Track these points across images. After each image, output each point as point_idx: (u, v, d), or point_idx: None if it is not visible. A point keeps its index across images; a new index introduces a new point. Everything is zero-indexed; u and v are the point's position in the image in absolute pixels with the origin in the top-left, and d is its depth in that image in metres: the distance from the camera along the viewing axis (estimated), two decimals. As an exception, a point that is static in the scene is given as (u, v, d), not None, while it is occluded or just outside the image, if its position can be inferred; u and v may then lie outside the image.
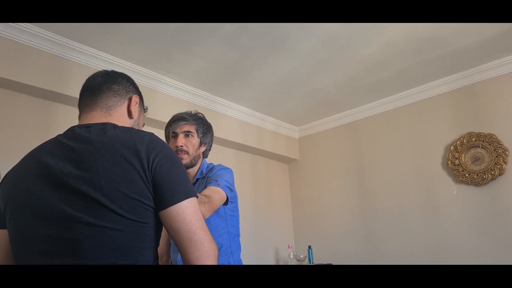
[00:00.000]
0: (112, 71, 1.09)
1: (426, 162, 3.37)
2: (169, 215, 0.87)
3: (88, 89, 1.03)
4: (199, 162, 1.72)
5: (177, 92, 3.11)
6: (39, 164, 0.91)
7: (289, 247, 3.74)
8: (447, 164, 3.22)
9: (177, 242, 0.88)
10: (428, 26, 2.54)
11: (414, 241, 3.30)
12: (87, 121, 0.98)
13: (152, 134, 0.95)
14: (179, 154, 1.62)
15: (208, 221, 1.55)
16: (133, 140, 0.89)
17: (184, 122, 1.66)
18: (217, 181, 1.54)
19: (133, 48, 2.61)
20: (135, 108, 1.05)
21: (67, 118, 2.55)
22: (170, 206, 0.87)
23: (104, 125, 0.95)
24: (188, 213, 0.88)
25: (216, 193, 1.47)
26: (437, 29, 2.58)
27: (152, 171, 0.86)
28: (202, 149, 1.72)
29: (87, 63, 2.60)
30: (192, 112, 1.73)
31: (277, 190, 4.20)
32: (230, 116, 3.60)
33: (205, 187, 1.54)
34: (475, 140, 3.10)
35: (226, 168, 1.68)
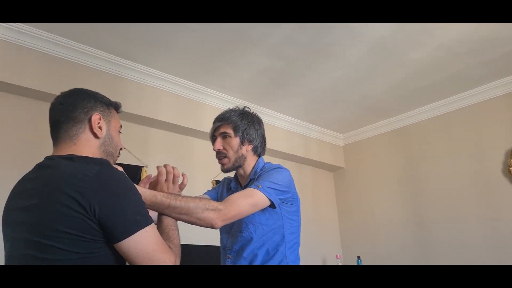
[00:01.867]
0: (65, 95, 1.07)
1: (485, 169, 3.16)
2: (122, 249, 0.88)
3: (51, 124, 1.05)
4: (252, 161, 1.53)
5: (223, 104, 3.18)
6: (11, 198, 0.99)
7: (337, 257, 3.65)
8: (509, 171, 3.00)
9: None
10: (484, 27, 2.42)
11: (473, 254, 3.09)
12: (56, 154, 1.01)
13: (102, 166, 0.92)
14: (218, 158, 1.51)
15: (259, 222, 1.41)
16: (77, 176, 0.89)
17: (220, 123, 1.51)
18: (260, 182, 1.36)
19: (181, 63, 2.72)
20: (98, 127, 1.04)
21: (127, 135, 2.69)
22: (119, 241, 0.87)
23: (63, 157, 0.97)
24: (140, 247, 0.88)
25: (245, 198, 1.28)
26: (494, 29, 2.45)
27: (94, 209, 0.85)
28: (249, 147, 1.51)
29: (139, 80, 2.76)
30: (239, 107, 1.56)
31: (323, 199, 4.14)
32: (275, 126, 3.63)
33: None
34: (540, 145, 2.88)
35: (278, 167, 1.48)
